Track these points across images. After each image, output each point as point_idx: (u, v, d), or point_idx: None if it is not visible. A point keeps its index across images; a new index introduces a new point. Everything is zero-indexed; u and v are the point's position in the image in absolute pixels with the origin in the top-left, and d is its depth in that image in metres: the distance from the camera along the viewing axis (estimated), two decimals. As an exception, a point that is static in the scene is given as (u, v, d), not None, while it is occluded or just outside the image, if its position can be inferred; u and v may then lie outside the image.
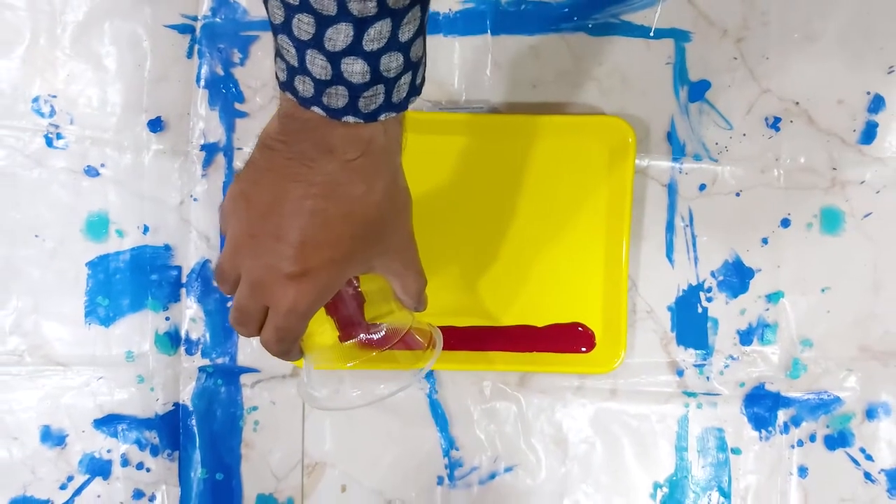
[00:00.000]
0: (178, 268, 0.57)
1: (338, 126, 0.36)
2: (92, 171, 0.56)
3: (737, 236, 0.57)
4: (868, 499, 0.57)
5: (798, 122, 0.57)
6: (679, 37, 0.57)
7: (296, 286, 0.40)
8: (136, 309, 0.57)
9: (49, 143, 0.56)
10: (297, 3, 0.33)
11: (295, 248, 0.39)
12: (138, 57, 0.57)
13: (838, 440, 0.57)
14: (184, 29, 0.56)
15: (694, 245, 0.57)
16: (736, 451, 0.57)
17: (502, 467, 0.57)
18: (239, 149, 0.57)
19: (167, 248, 0.57)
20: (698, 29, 0.57)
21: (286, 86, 0.36)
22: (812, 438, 0.57)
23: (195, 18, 0.56)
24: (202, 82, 0.56)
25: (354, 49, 0.34)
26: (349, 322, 0.48)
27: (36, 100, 0.56)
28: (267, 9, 0.35)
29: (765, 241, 0.57)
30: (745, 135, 0.57)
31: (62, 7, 0.56)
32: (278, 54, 0.36)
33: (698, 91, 0.57)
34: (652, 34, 0.57)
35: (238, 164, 0.57)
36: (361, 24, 0.33)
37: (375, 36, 0.34)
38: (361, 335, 0.48)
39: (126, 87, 0.56)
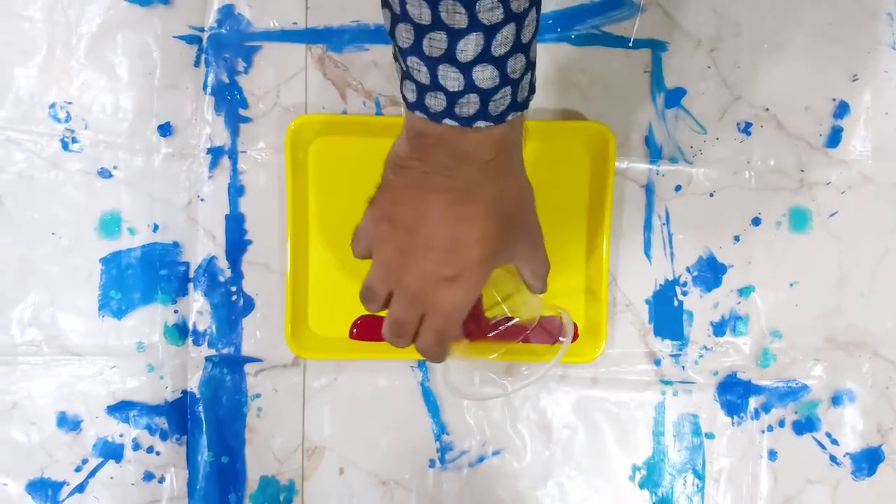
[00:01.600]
0: (186, 264, 0.59)
1: (470, 133, 0.38)
2: (105, 173, 0.58)
3: (710, 234, 0.59)
4: (834, 480, 0.59)
5: (768, 127, 0.59)
6: (656, 47, 0.58)
7: (454, 288, 0.42)
8: (146, 302, 0.58)
9: (65, 146, 0.58)
10: (428, 23, 0.35)
11: (448, 253, 0.41)
12: (149, 66, 0.58)
13: (806, 425, 0.59)
14: (191, 39, 0.58)
15: (670, 242, 0.59)
16: (710, 436, 0.59)
17: (490, 451, 0.59)
18: (243, 151, 0.58)
19: (176, 245, 0.58)
20: (674, 40, 0.58)
21: (416, 105, 0.38)
22: (781, 424, 0.59)
23: (202, 30, 0.58)
24: (208, 89, 0.58)
25: (484, 56, 0.35)
26: (479, 317, 0.50)
27: (52, 106, 0.58)
28: (394, 35, 0.36)
29: (737, 238, 0.59)
30: (718, 139, 0.58)
31: (77, 19, 0.58)
32: (406, 77, 0.37)
33: (674, 98, 0.58)
34: (631, 44, 0.58)
35: (242, 165, 0.58)
36: (490, 32, 0.35)
37: (502, 41, 0.35)
38: (499, 327, 0.49)
39: (137, 95, 0.58)
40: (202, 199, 0.59)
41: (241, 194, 0.59)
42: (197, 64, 0.58)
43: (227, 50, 0.58)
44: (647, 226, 0.59)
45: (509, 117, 0.38)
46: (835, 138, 0.59)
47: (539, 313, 0.50)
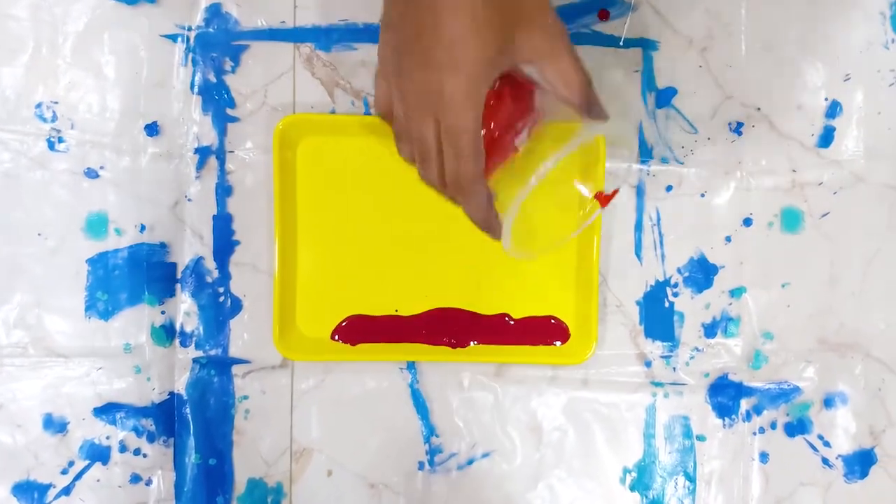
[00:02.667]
0: (174, 264, 0.58)
1: None
2: (92, 173, 0.58)
3: (702, 235, 0.58)
4: (825, 483, 0.59)
5: (760, 127, 0.58)
6: (647, 46, 0.58)
7: (448, 71, 0.39)
8: (133, 303, 0.58)
9: (51, 146, 0.58)
10: None
11: (434, 33, 0.38)
12: (135, 65, 0.58)
13: (797, 427, 0.59)
14: (178, 38, 0.58)
15: (661, 243, 0.59)
16: (701, 438, 0.59)
17: (480, 453, 0.59)
18: (231, 151, 0.58)
19: (163, 245, 0.58)
20: (665, 39, 0.58)
21: None
22: (773, 426, 0.59)
23: (189, 29, 0.57)
24: (196, 89, 0.57)
25: None
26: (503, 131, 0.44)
27: (39, 106, 0.57)
28: None
29: (728, 239, 0.59)
30: (709, 139, 0.58)
31: (63, 18, 0.57)
32: None
33: (665, 97, 0.58)
34: (621, 43, 0.58)
35: (230, 165, 0.58)
36: None
37: None
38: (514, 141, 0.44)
39: (124, 94, 0.58)
40: (189, 200, 0.58)
41: (228, 194, 0.58)
42: (184, 63, 0.58)
43: (214, 49, 0.58)
44: (638, 226, 0.59)
45: None
46: (827, 138, 0.59)
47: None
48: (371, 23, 0.58)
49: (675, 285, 0.59)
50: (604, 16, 0.58)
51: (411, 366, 0.59)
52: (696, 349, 0.59)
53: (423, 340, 0.58)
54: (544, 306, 0.59)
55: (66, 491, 0.58)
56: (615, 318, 0.59)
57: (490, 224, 0.44)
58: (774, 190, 0.59)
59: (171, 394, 0.59)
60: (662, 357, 0.59)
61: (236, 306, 0.59)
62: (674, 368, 0.59)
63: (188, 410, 0.58)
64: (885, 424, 0.59)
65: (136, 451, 0.59)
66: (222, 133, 0.58)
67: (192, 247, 0.58)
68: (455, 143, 0.40)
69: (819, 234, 0.59)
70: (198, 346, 0.58)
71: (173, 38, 0.58)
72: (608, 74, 0.58)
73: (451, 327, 0.58)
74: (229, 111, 0.58)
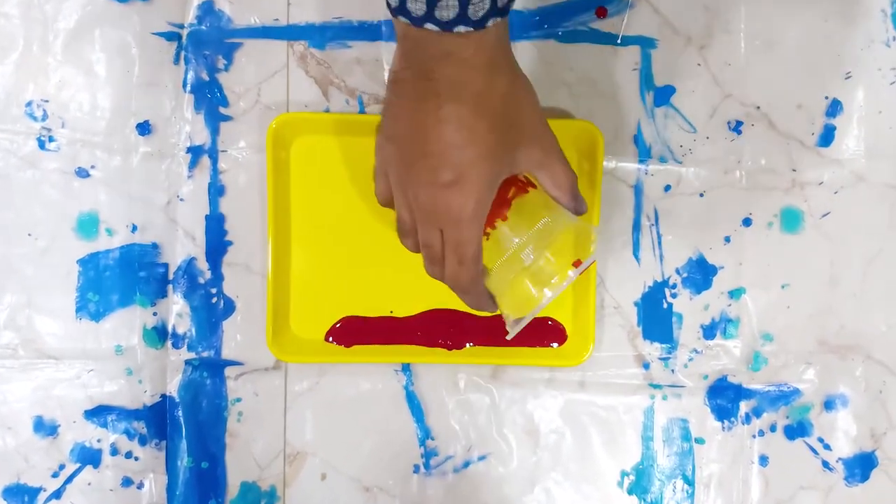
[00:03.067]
0: (165, 265, 0.58)
1: (450, 36, 0.38)
2: (83, 173, 0.57)
3: (700, 235, 0.58)
4: (826, 486, 0.59)
5: (759, 126, 0.58)
6: (645, 44, 0.57)
7: (457, 192, 0.41)
8: (124, 304, 0.58)
9: (42, 145, 0.57)
10: None
11: (442, 157, 0.41)
12: (127, 63, 0.57)
13: (797, 430, 0.59)
14: (170, 36, 0.57)
15: (659, 243, 0.58)
16: (699, 441, 0.58)
17: (476, 456, 0.58)
18: (223, 151, 0.57)
19: (154, 246, 0.58)
20: (663, 36, 0.57)
21: (399, 10, 0.38)
22: (772, 428, 0.59)
23: (181, 26, 0.57)
24: (188, 87, 0.57)
25: None
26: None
27: (29, 104, 0.57)
28: None
29: (727, 239, 0.58)
30: (708, 138, 0.58)
31: (54, 15, 0.57)
32: None
33: (663, 96, 0.58)
34: (619, 41, 0.57)
35: (223, 164, 0.57)
36: None
37: None
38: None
39: (115, 92, 0.57)
40: (182, 200, 0.58)
41: (221, 194, 0.58)
42: (176, 61, 0.57)
43: (207, 47, 0.57)
44: (636, 226, 0.58)
45: (489, 23, 0.38)
46: (827, 137, 0.58)
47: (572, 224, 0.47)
48: (365, 20, 0.57)
49: (674, 286, 0.59)
50: (601, 13, 0.58)
51: (406, 368, 0.59)
52: (695, 351, 0.59)
53: (418, 342, 0.58)
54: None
55: (57, 494, 0.58)
56: (613, 320, 0.59)
57: (484, 308, 0.47)
58: (774, 189, 0.58)
59: (163, 396, 0.58)
60: (661, 359, 0.59)
61: (229, 307, 0.58)
62: (672, 370, 0.59)
63: (180, 413, 0.58)
64: (887, 427, 0.59)
65: (128, 455, 0.58)
66: (215, 132, 0.58)
67: (184, 247, 0.58)
68: (459, 252, 0.42)
69: (819, 234, 0.58)
70: (190, 348, 0.58)
71: (165, 35, 0.57)
72: (606, 73, 0.58)
73: (447, 328, 0.58)
74: (222, 110, 0.58)
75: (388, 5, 0.39)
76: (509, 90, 0.42)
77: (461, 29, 0.38)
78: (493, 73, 0.41)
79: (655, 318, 0.58)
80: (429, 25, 0.38)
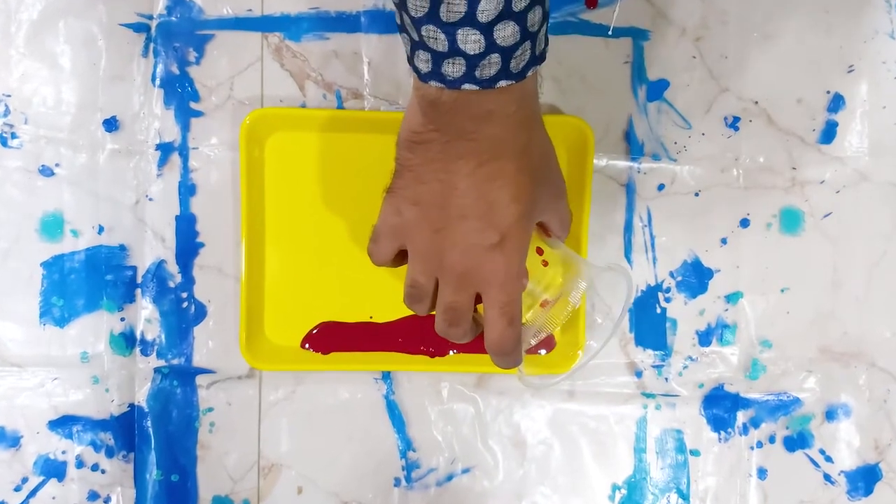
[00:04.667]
0: (134, 268, 0.56)
1: (492, 92, 0.37)
2: (46, 171, 0.56)
3: (696, 236, 0.57)
4: (827, 500, 0.58)
5: (757, 122, 0.57)
6: (637, 36, 0.56)
7: (502, 253, 0.40)
8: (91, 309, 0.56)
9: (3, 142, 0.56)
10: None
11: (485, 219, 0.40)
12: (93, 56, 0.56)
13: (798, 441, 0.58)
14: (139, 28, 0.56)
15: (652, 245, 0.57)
16: (695, 453, 0.57)
17: (460, 469, 0.57)
18: (195, 148, 0.56)
19: (122, 248, 0.56)
20: (657, 28, 0.56)
21: (431, 75, 0.37)
22: (771, 440, 0.57)
23: (150, 17, 0.56)
24: (157, 81, 0.56)
25: (505, 13, 0.35)
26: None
27: None
28: (406, 5, 0.36)
29: (724, 241, 0.57)
30: (704, 134, 0.57)
31: (16, 5, 0.55)
32: (419, 47, 0.37)
33: (657, 90, 0.56)
34: (610, 33, 0.56)
35: (194, 162, 0.56)
36: None
37: None
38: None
39: (81, 86, 0.56)
40: (151, 199, 0.56)
41: (192, 194, 0.56)
42: (145, 54, 0.56)
43: (177, 39, 0.56)
44: (628, 227, 0.57)
45: (529, 72, 0.38)
46: (829, 133, 0.57)
47: (588, 270, 0.47)
48: (344, 11, 0.56)
49: (668, 290, 0.57)
50: (591, 4, 0.56)
51: (387, 376, 0.57)
52: (690, 358, 0.57)
53: (399, 349, 0.57)
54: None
55: (20, 509, 0.57)
56: (603, 326, 0.57)
57: (516, 366, 0.45)
58: (773, 189, 0.57)
59: (132, 406, 0.57)
60: (654, 367, 0.57)
61: (200, 312, 0.57)
62: (666, 379, 0.57)
63: (149, 423, 0.57)
64: (891, 438, 0.58)
65: (94, 467, 0.57)
66: (185, 128, 0.56)
67: (153, 249, 0.56)
68: (508, 313, 0.41)
69: (820, 235, 0.57)
70: (159, 355, 0.57)
71: (133, 27, 0.56)
72: (596, 66, 0.56)
73: (430, 335, 0.56)
74: (193, 105, 0.56)
75: (417, 71, 0.38)
76: (544, 142, 0.42)
77: (503, 83, 0.37)
78: (533, 127, 0.41)
79: (648, 324, 0.57)
80: (467, 86, 0.37)
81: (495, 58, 0.36)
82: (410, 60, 0.38)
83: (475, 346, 0.55)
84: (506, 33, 0.35)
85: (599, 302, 0.57)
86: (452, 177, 0.40)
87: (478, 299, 0.42)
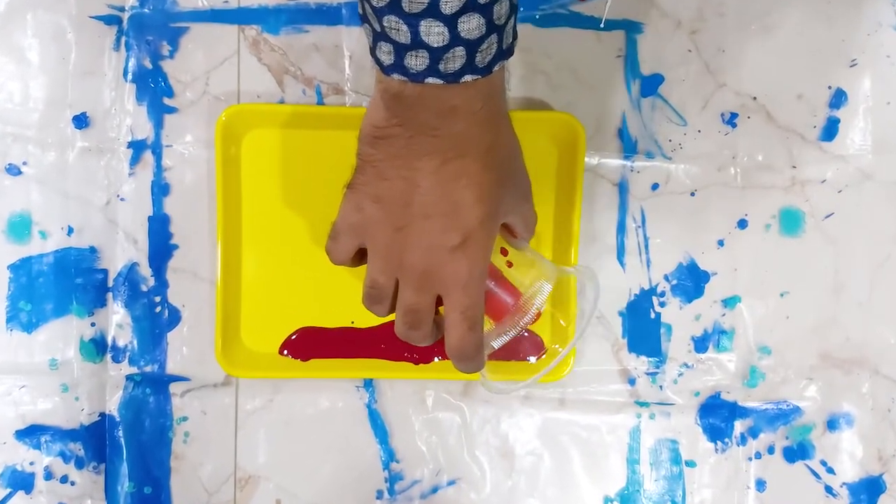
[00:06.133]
0: (105, 271, 0.55)
1: (455, 88, 0.37)
2: (13, 170, 0.55)
3: (691, 238, 0.56)
4: None
5: (756, 118, 0.56)
6: (630, 28, 0.55)
7: (465, 255, 0.40)
8: (59, 314, 0.55)
9: None
10: None
11: (449, 218, 0.39)
12: (62, 50, 0.55)
13: (798, 452, 0.57)
14: (110, 20, 0.55)
15: (646, 247, 0.56)
16: (690, 464, 0.57)
17: (445, 481, 0.57)
18: (168, 146, 0.55)
19: (93, 250, 0.55)
20: (651, 20, 0.55)
21: (394, 68, 0.36)
22: (770, 450, 0.57)
23: (122, 9, 0.55)
24: (130, 76, 0.55)
25: (469, 5, 0.34)
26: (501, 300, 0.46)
27: None
28: None
29: (721, 243, 0.56)
30: (700, 131, 0.56)
31: None
32: (381, 38, 0.36)
33: (651, 85, 0.56)
34: (602, 26, 0.55)
35: (167, 161, 0.55)
36: None
37: None
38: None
39: (49, 82, 0.55)
40: (122, 199, 0.55)
41: (165, 193, 0.56)
42: (116, 47, 0.55)
43: (150, 32, 0.55)
44: (621, 228, 0.56)
45: (496, 67, 0.37)
46: (830, 130, 0.56)
47: (554, 272, 0.46)
48: (324, 2, 0.55)
49: (662, 294, 0.56)
50: None
51: (369, 383, 0.56)
52: (686, 365, 0.57)
53: (381, 355, 0.56)
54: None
55: (-15, 523, 0.56)
56: (595, 331, 0.57)
57: (477, 371, 0.45)
58: (772, 188, 0.56)
59: (102, 415, 0.56)
60: (648, 374, 0.57)
61: (174, 317, 0.56)
62: (660, 387, 0.57)
63: (121, 433, 0.56)
64: (895, 449, 0.57)
65: (63, 479, 0.56)
66: (159, 125, 0.55)
67: (125, 251, 0.55)
68: (469, 317, 0.41)
69: (822, 236, 0.56)
70: (132, 362, 0.56)
71: (104, 19, 0.55)
72: (587, 60, 0.56)
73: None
74: (167, 101, 0.55)
75: (379, 63, 0.37)
76: (510, 140, 0.42)
77: (468, 78, 0.36)
78: (499, 124, 0.41)
79: (642, 330, 0.56)
80: (431, 80, 0.36)
81: (460, 51, 0.35)
82: (373, 52, 0.37)
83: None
84: (470, 26, 0.35)
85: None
86: (415, 174, 0.39)
87: (440, 301, 0.42)
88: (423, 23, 0.34)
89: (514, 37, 0.38)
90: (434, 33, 0.35)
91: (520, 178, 0.44)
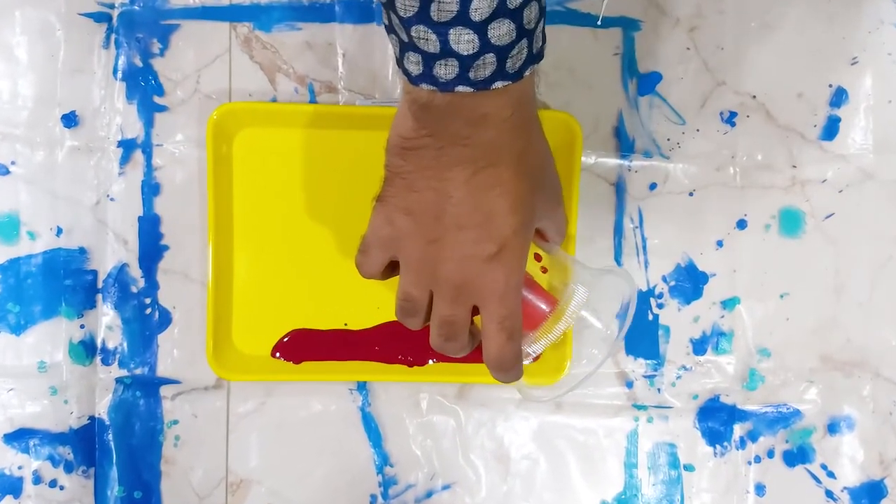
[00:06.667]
0: (94, 272, 0.55)
1: (486, 95, 0.36)
2: (1, 169, 0.54)
3: (690, 239, 0.56)
4: None
5: (755, 117, 0.55)
6: (628, 26, 0.55)
7: (501, 264, 0.39)
8: (48, 316, 0.55)
9: None
10: None
11: (483, 228, 0.39)
12: (51, 47, 0.54)
13: (798, 456, 0.57)
14: (100, 17, 0.54)
15: (644, 248, 0.56)
16: (689, 468, 0.56)
17: (440, 485, 0.56)
18: (158, 145, 0.55)
19: (82, 251, 0.55)
20: (648, 17, 0.55)
21: (423, 77, 0.36)
22: (770, 454, 0.56)
23: (112, 6, 0.54)
24: (119, 74, 0.54)
25: (500, 10, 0.34)
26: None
27: None
28: (394, 5, 0.35)
29: (720, 243, 0.56)
30: (698, 130, 0.55)
31: None
32: (409, 49, 0.36)
33: (648, 84, 0.55)
34: (599, 23, 0.55)
35: (158, 160, 0.55)
36: None
37: None
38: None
39: (38, 80, 0.54)
40: (112, 199, 0.55)
41: (156, 193, 0.55)
42: (106, 45, 0.55)
43: (140, 29, 0.55)
44: (618, 229, 0.56)
45: (527, 72, 0.37)
46: (831, 129, 0.56)
47: (588, 275, 0.46)
48: (317, 0, 0.55)
49: (660, 296, 0.56)
50: None
51: (362, 386, 0.56)
52: (684, 368, 0.56)
53: (375, 358, 0.55)
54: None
55: (-27, 528, 0.56)
56: (592, 333, 0.55)
57: (516, 380, 0.45)
58: (772, 188, 0.56)
59: (92, 418, 0.55)
60: (646, 377, 0.56)
61: (165, 319, 0.55)
62: (658, 389, 0.56)
63: (110, 437, 0.55)
64: None
65: (52, 483, 0.55)
66: (149, 124, 0.55)
67: (115, 252, 0.55)
68: (508, 327, 0.41)
69: (822, 237, 0.56)
70: (121, 365, 0.55)
71: (94, 16, 0.55)
72: (584, 58, 0.55)
73: (407, 343, 0.55)
74: (157, 99, 0.55)
75: (407, 74, 0.36)
76: (543, 146, 0.42)
77: (499, 84, 0.36)
78: (531, 130, 0.40)
79: (640, 332, 0.56)
80: (461, 88, 0.36)
81: (490, 58, 0.35)
82: (399, 63, 0.37)
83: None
84: (501, 32, 0.34)
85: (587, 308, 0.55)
86: (447, 185, 0.39)
87: (474, 311, 0.41)
88: (452, 31, 0.34)
89: (544, 40, 0.38)
90: (464, 41, 0.34)
91: (551, 183, 0.43)
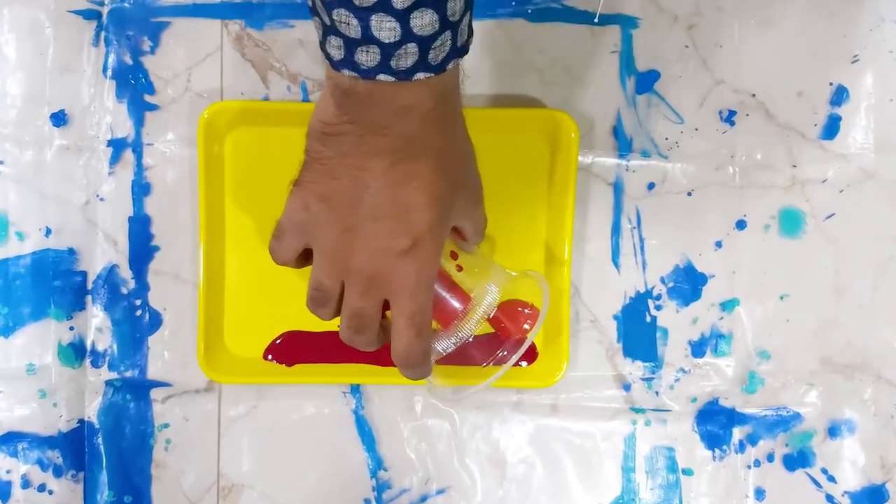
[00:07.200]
0: (84, 273, 0.55)
1: (407, 86, 0.36)
2: None
3: (688, 239, 0.56)
4: None
5: (755, 116, 0.55)
6: (626, 23, 0.55)
7: (414, 259, 0.40)
8: (37, 318, 0.54)
9: None
10: None
11: (398, 221, 0.39)
12: (40, 45, 0.54)
13: (798, 460, 0.56)
14: (89, 15, 0.54)
15: (642, 248, 0.55)
16: (687, 472, 0.56)
17: (434, 489, 0.56)
18: (149, 144, 0.54)
19: (71, 251, 0.54)
20: (646, 15, 0.55)
21: (344, 63, 0.36)
22: (770, 458, 0.56)
23: (102, 3, 0.54)
24: (109, 72, 0.54)
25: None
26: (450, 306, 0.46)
27: None
28: None
29: (719, 244, 0.55)
30: (697, 129, 0.55)
31: None
32: (331, 32, 0.35)
33: (646, 82, 0.55)
34: (596, 20, 0.55)
35: (148, 160, 0.54)
36: None
37: None
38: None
39: (27, 78, 0.54)
40: (102, 199, 0.55)
41: (146, 193, 0.55)
42: (96, 43, 0.54)
43: (130, 27, 0.55)
44: (616, 229, 0.55)
45: (450, 65, 0.37)
46: (832, 128, 0.55)
47: (503, 277, 0.46)
48: None
49: (658, 297, 0.56)
50: None
51: (356, 389, 0.55)
52: (682, 370, 0.56)
53: (369, 360, 0.54)
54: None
55: (-40, 533, 0.55)
56: (589, 335, 0.56)
57: (424, 377, 0.45)
58: (771, 188, 0.56)
59: (81, 421, 0.55)
60: (643, 379, 0.56)
61: (155, 321, 0.55)
62: (656, 392, 0.56)
63: (100, 440, 0.55)
64: None
65: (41, 488, 0.55)
66: (139, 123, 0.55)
67: (104, 253, 0.55)
68: (416, 323, 0.41)
69: (823, 237, 0.56)
70: (111, 367, 0.55)
71: (83, 14, 0.55)
72: (581, 56, 0.55)
73: None
74: (147, 98, 0.55)
75: (329, 58, 0.36)
76: (464, 143, 0.42)
77: (421, 76, 0.36)
78: (453, 126, 0.41)
79: (637, 334, 0.56)
80: (382, 76, 0.36)
81: (412, 48, 0.35)
82: (322, 46, 0.36)
83: (450, 357, 0.53)
84: (423, 21, 0.34)
85: (585, 310, 0.55)
86: (365, 174, 0.39)
87: (386, 305, 0.41)
88: (374, 17, 0.34)
89: (470, 34, 0.38)
90: (385, 28, 0.34)
91: (471, 182, 0.43)
